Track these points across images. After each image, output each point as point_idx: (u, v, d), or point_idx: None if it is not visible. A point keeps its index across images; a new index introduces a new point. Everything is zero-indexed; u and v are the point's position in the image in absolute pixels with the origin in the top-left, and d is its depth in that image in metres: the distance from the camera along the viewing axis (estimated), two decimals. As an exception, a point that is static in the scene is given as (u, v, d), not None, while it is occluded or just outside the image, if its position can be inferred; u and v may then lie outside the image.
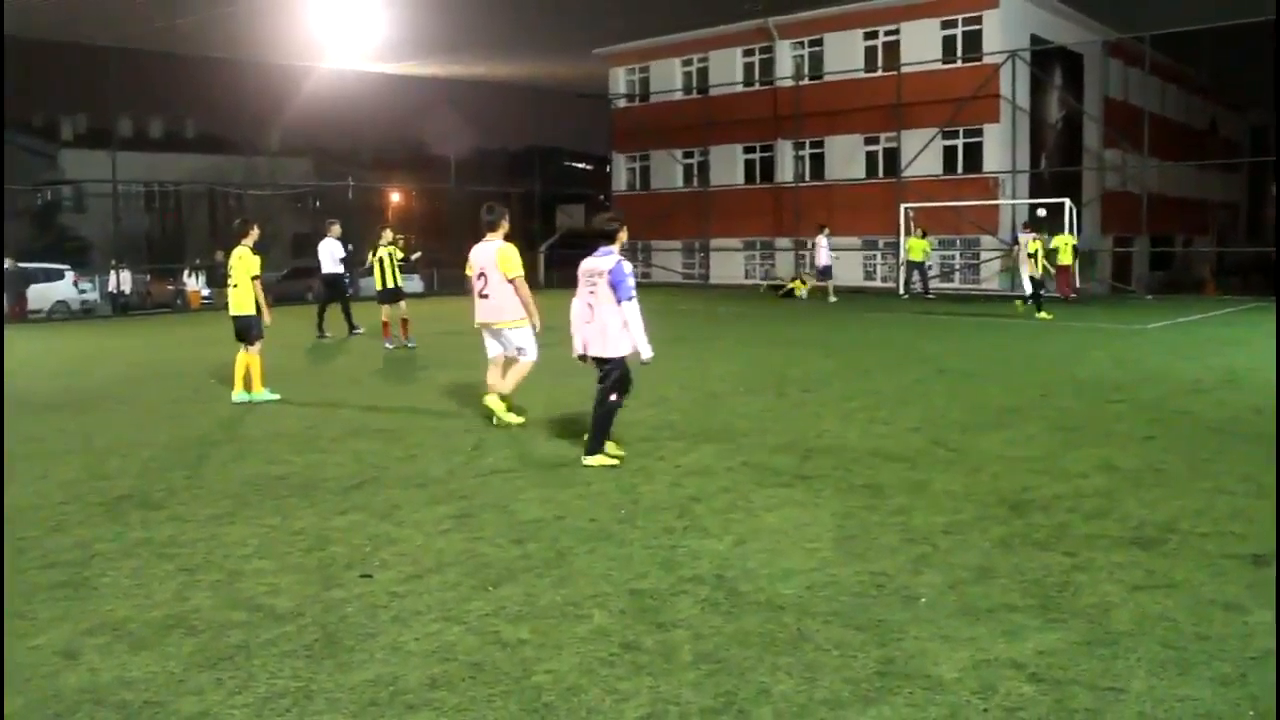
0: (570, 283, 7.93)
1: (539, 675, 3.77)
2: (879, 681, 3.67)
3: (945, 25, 30.66)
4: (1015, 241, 25.53)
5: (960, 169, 30.71)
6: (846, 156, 33.14)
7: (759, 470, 7.04)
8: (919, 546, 5.26)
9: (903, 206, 28.58)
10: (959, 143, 30.72)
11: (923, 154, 30.30)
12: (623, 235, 7.32)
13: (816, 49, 33.75)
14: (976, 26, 30.10)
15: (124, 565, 5.17)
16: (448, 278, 41.33)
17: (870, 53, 32.42)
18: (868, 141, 32.78)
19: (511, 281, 8.55)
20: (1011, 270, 25.48)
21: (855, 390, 10.79)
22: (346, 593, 4.70)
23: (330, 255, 17.02)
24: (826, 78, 33.14)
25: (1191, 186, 40.46)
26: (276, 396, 10.54)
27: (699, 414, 9.35)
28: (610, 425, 7.31)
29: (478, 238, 9.00)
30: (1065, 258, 24.16)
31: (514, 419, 8.81)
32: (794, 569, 4.93)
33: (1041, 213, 24.73)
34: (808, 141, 33.99)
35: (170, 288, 32.61)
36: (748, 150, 35.84)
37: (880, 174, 32.35)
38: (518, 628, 4.23)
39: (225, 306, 11.12)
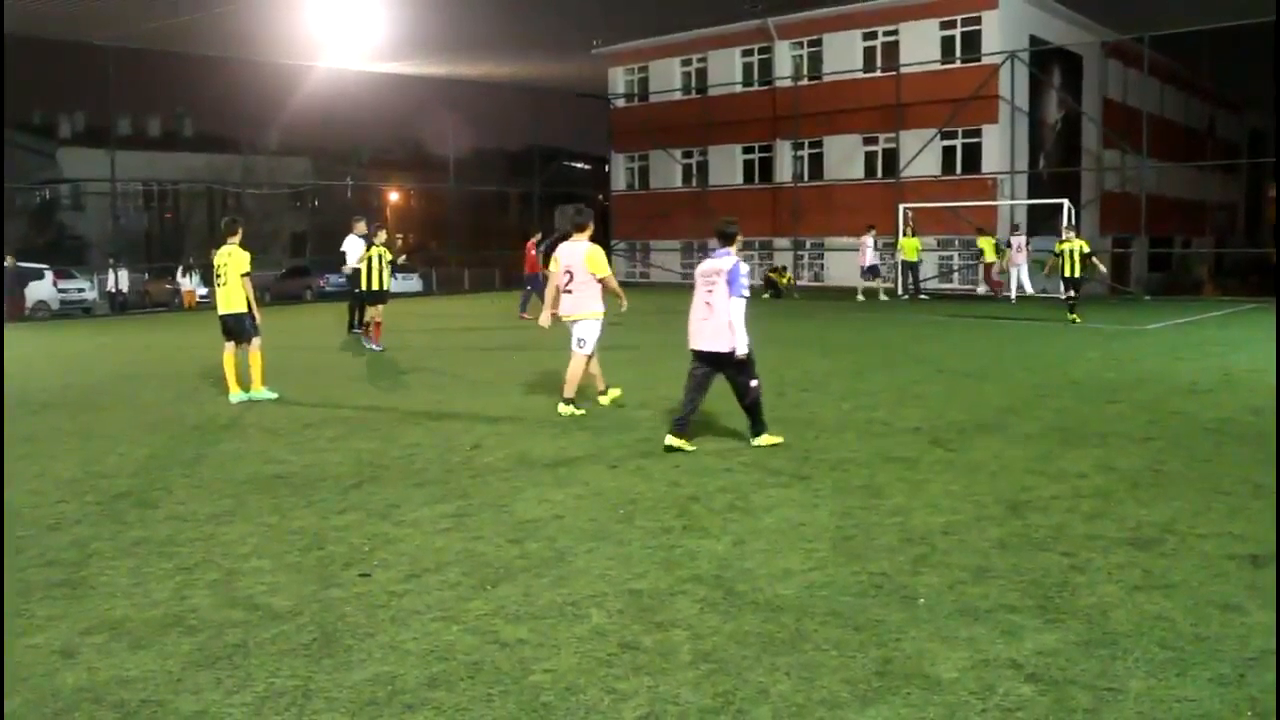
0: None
1: (537, 675, 3.77)
2: (877, 681, 3.68)
3: (944, 26, 30.66)
4: (1008, 244, 25.68)
5: (959, 169, 30.71)
6: (845, 157, 33.14)
7: (757, 470, 7.04)
8: (917, 547, 5.26)
9: (901, 207, 28.59)
10: (958, 143, 30.72)
11: (921, 154, 30.31)
12: (739, 237, 7.78)
13: (815, 49, 33.74)
14: (975, 27, 30.10)
15: (122, 564, 5.17)
16: (446, 277, 41.37)
17: (869, 53, 32.42)
18: (866, 142, 32.77)
19: (601, 281, 9.18)
20: (1009, 270, 25.50)
21: (853, 390, 10.79)
22: (345, 592, 4.70)
23: (355, 252, 17.09)
24: (825, 78, 33.14)
25: (1190, 187, 40.49)
26: (274, 395, 10.54)
27: (696, 413, 9.34)
28: (761, 407, 7.81)
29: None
30: (989, 255, 26.67)
31: (571, 410, 9.23)
32: (792, 569, 4.93)
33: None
34: (806, 142, 33.98)
35: (168, 287, 32.56)
36: (746, 150, 35.83)
37: (879, 174, 32.35)
38: (516, 627, 4.23)
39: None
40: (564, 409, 9.23)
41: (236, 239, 10.52)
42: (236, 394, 10.46)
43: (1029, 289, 24.82)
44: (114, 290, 29.51)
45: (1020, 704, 3.49)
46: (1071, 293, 19.03)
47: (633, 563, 5.06)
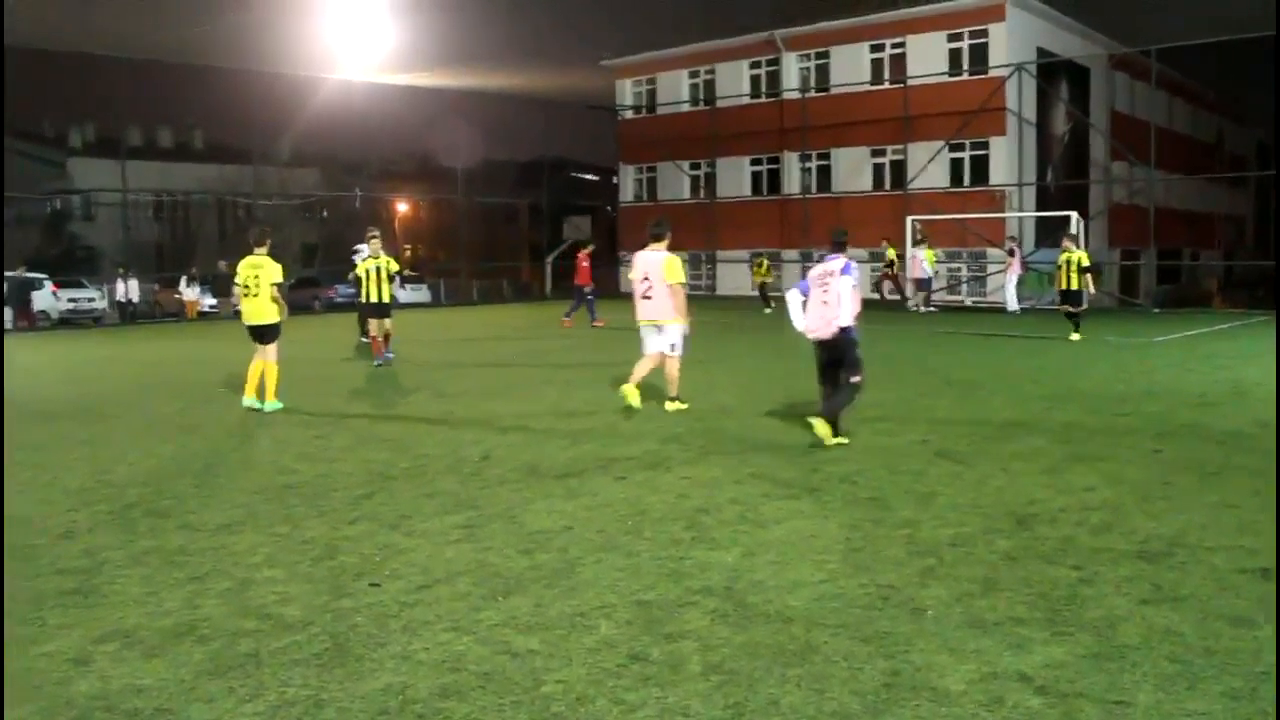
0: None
1: (548, 685, 3.78)
2: (886, 693, 3.68)
3: (951, 38, 30.75)
4: (1010, 254, 25.63)
5: (967, 181, 30.75)
6: (853, 168, 33.21)
7: (766, 482, 7.05)
8: (926, 559, 5.27)
9: (909, 219, 28.61)
10: (965, 155, 30.78)
11: (929, 166, 30.35)
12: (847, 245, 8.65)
13: (823, 61, 33.86)
14: (983, 40, 30.18)
15: (133, 573, 5.20)
16: (454, 288, 41.45)
17: (877, 65, 32.52)
18: (874, 154, 32.85)
19: (671, 286, 9.78)
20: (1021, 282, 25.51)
21: (862, 402, 10.78)
22: (356, 602, 4.72)
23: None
24: (833, 90, 33.25)
25: (1198, 200, 40.42)
26: (280, 406, 10.56)
27: (706, 425, 9.37)
28: (846, 408, 8.52)
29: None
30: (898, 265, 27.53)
31: (679, 406, 10.02)
32: (802, 580, 4.94)
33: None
34: (814, 154, 34.07)
35: (176, 297, 32.71)
36: (754, 162, 35.93)
37: (887, 186, 32.40)
38: (527, 638, 4.25)
39: (234, 315, 11.11)
40: (670, 405, 9.98)
41: (265, 249, 10.46)
42: (250, 399, 10.49)
43: (1011, 305, 24.75)
44: (124, 300, 29.67)
45: (1028, 716, 3.49)
46: (1069, 308, 17.87)
47: (642, 574, 5.08)
